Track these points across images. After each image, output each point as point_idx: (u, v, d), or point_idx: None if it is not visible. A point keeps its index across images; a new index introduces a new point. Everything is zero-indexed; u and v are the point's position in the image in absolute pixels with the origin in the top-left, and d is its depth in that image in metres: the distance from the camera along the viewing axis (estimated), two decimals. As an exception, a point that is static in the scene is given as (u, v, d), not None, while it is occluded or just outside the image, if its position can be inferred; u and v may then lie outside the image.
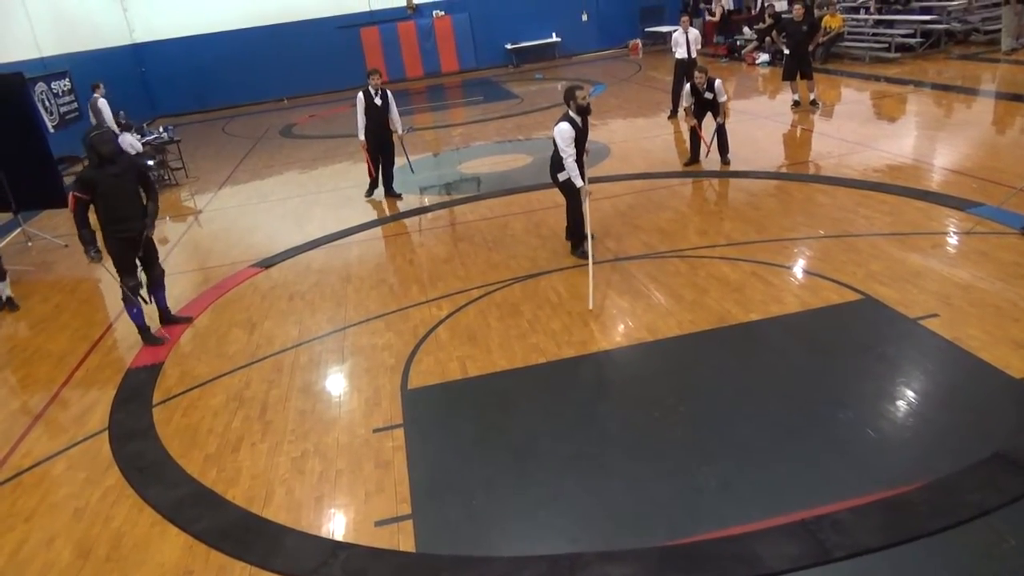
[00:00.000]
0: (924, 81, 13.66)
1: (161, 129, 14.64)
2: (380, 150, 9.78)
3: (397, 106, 9.70)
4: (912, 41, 15.95)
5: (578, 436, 4.40)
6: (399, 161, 10.19)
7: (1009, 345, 4.67)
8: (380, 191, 10.16)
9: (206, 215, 10.90)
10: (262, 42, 22.23)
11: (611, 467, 4.07)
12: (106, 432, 5.11)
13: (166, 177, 12.99)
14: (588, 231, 6.81)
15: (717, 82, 9.45)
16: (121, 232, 6.06)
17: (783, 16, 19.15)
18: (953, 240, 6.48)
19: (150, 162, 12.64)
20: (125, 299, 6.24)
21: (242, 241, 9.27)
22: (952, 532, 3.29)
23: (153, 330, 6.46)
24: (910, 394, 4.39)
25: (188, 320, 6.77)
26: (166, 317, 6.67)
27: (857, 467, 3.80)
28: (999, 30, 14.84)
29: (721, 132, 9.62)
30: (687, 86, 9.90)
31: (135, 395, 5.58)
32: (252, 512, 4.10)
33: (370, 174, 10.04)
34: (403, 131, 9.94)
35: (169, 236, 9.98)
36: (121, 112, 13.88)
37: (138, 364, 6.09)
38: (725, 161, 9.61)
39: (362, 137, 9.65)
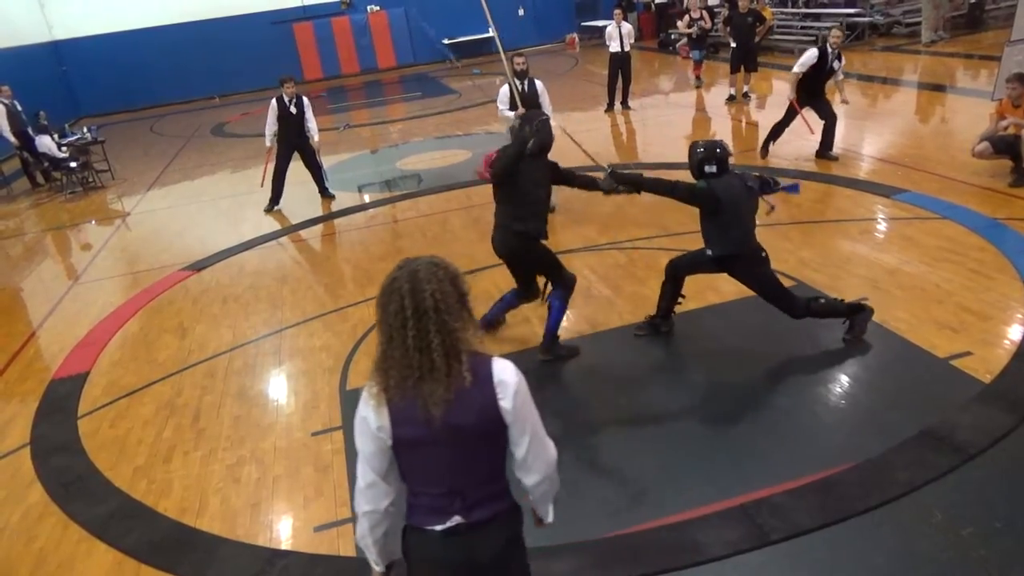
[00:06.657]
0: (850, 72, 13.99)
1: (85, 129, 14.10)
2: (300, 155, 9.50)
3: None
4: (838, 34, 16.47)
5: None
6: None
7: (933, 326, 4.83)
8: (298, 200, 9.67)
9: (134, 217, 10.51)
10: (191, 38, 21.53)
11: (553, 461, 4.05)
12: (27, 447, 4.86)
13: (90, 179, 12.45)
14: None
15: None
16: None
17: (716, 10, 19.58)
18: (880, 226, 6.68)
19: (73, 164, 12.15)
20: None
21: (172, 244, 8.95)
22: (883, 509, 3.38)
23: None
24: (842, 377, 4.50)
25: None
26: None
27: (792, 450, 3.87)
28: (919, 23, 15.42)
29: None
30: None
31: (58, 407, 5.33)
32: (184, 523, 3.95)
33: (263, 182, 9.79)
34: (321, 136, 9.72)
35: (94, 240, 9.59)
36: (41, 113, 13.30)
37: (62, 375, 5.82)
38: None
39: (270, 143, 9.44)
